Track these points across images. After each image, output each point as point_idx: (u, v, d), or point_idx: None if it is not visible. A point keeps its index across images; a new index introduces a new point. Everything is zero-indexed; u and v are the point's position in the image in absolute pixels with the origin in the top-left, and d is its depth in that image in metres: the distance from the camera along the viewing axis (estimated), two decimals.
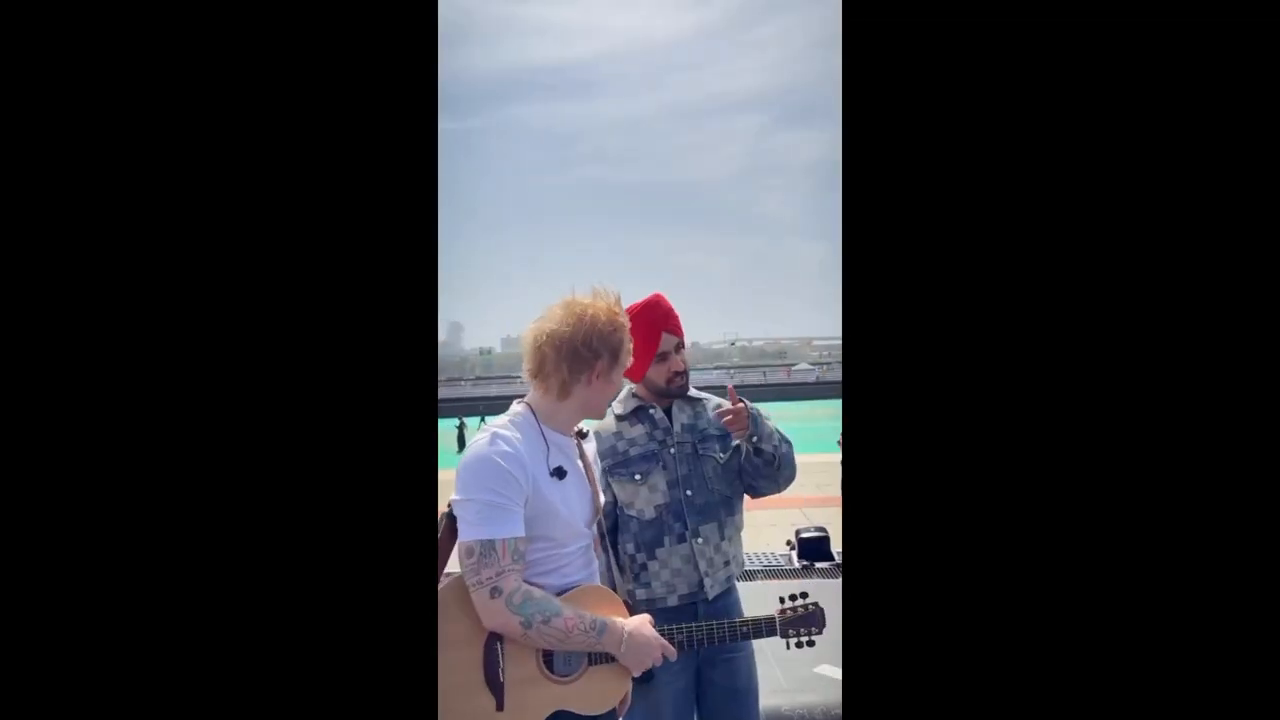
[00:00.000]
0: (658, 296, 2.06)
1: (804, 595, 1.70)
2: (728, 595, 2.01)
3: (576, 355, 1.52)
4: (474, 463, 1.44)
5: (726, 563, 1.99)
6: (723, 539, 1.98)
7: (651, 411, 2.04)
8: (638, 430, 2.02)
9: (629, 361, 1.61)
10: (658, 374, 2.02)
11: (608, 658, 1.48)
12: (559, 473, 1.52)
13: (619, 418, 2.06)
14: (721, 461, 2.01)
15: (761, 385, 52.48)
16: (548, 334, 1.53)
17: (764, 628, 1.65)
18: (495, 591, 1.38)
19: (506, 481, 1.42)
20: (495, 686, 1.42)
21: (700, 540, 1.94)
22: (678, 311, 2.07)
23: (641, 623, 1.52)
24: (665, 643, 1.53)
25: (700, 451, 2.00)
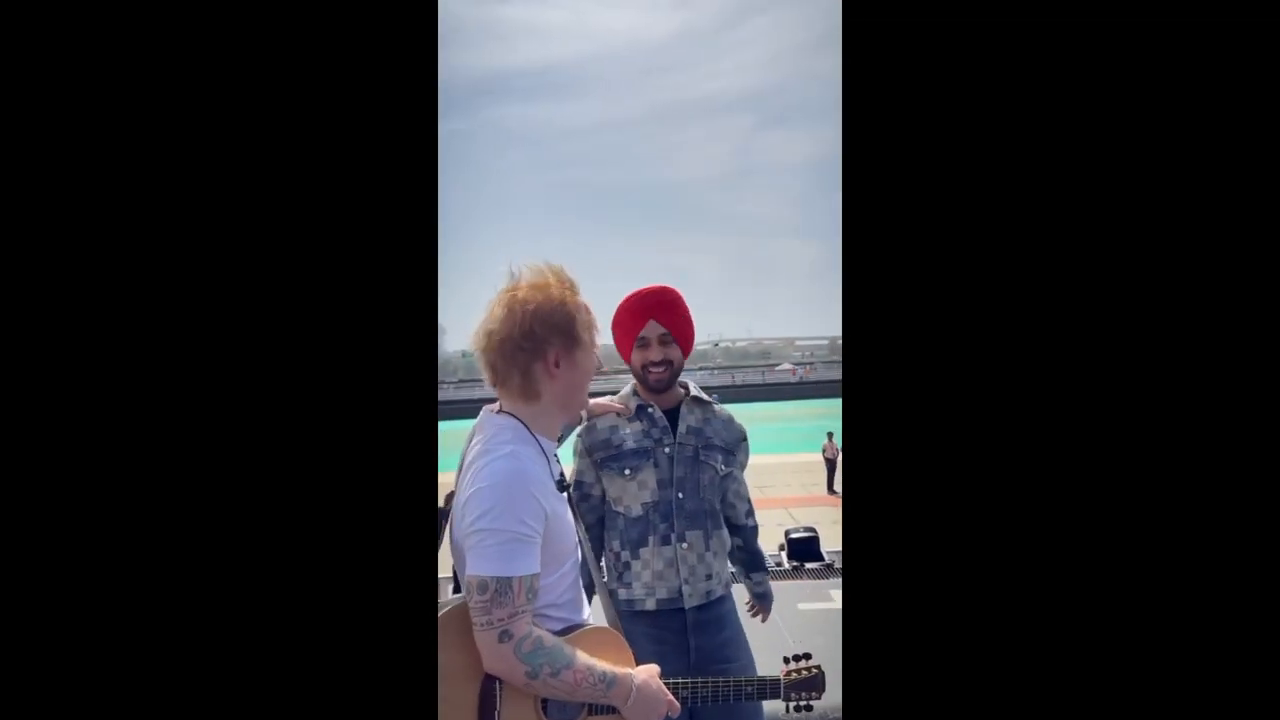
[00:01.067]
0: (664, 287, 2.00)
1: (807, 656, 1.66)
2: (720, 604, 1.99)
3: (521, 351, 1.36)
4: (504, 488, 1.29)
5: (709, 576, 1.96)
6: (707, 549, 1.96)
7: (650, 410, 2.01)
8: (634, 426, 2.00)
9: (593, 338, 1.44)
10: (636, 360, 2.00)
11: (608, 708, 1.39)
12: (561, 484, 1.42)
13: (617, 413, 2.04)
14: (721, 474, 2.00)
15: (758, 385, 52.67)
16: (486, 335, 1.37)
17: (768, 689, 1.65)
18: (505, 635, 1.25)
19: (535, 511, 1.29)
20: None
21: (685, 545, 1.93)
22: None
23: (650, 676, 1.43)
24: (671, 698, 1.44)
25: (701, 457, 1.98)
